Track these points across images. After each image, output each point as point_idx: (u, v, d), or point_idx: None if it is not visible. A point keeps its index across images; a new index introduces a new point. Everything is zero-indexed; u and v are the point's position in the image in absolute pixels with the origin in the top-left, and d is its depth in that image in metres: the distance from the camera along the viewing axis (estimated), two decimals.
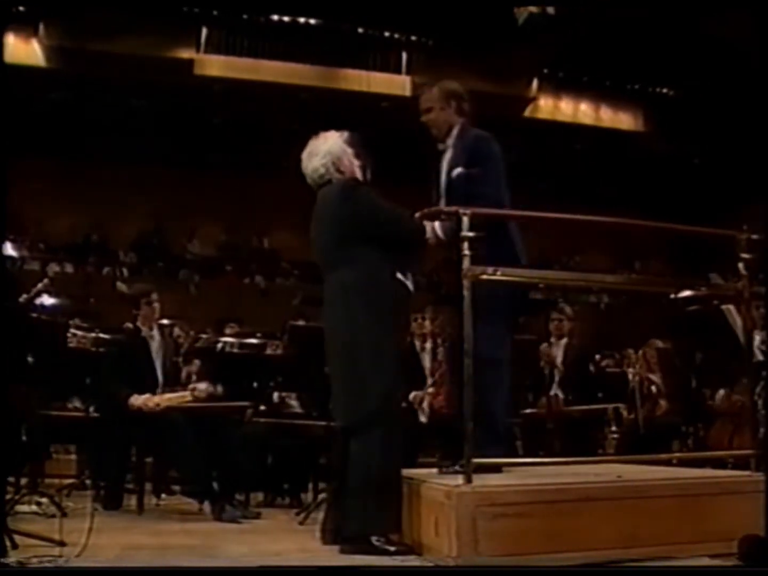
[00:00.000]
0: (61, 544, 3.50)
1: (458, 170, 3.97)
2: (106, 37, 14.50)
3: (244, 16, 15.75)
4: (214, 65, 15.43)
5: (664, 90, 17.03)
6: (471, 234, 3.26)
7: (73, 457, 7.17)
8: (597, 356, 7.85)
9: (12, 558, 3.21)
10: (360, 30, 15.96)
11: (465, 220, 3.26)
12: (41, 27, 14.92)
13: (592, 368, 7.26)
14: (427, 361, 6.47)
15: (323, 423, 5.32)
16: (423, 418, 6.26)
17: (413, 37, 16.14)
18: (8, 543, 3.44)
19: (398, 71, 15.97)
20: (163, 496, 5.86)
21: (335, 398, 3.77)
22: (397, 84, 15.88)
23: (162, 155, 16.45)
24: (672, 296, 4.26)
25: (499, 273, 3.36)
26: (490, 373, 3.73)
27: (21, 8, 14.98)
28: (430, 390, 6.26)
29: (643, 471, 3.97)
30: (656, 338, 7.06)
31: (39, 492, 5.18)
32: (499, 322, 3.83)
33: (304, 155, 3.90)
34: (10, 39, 15.03)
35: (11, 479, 5.24)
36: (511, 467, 3.84)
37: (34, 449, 5.76)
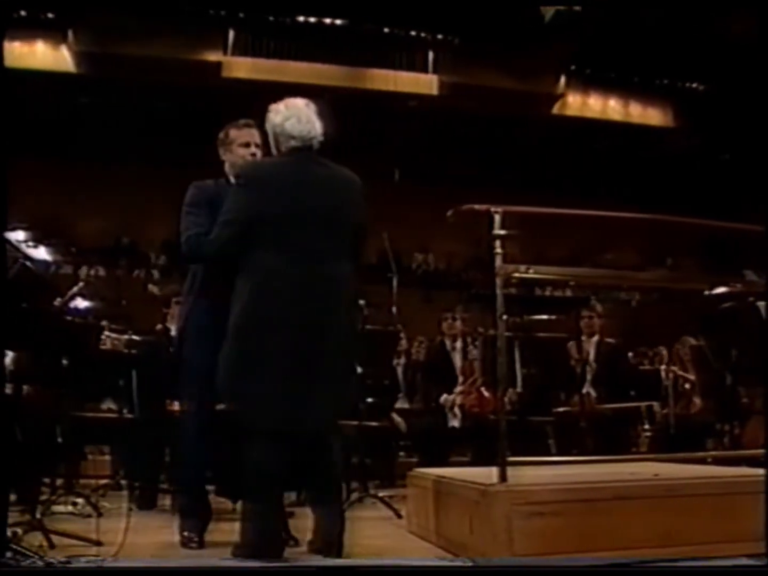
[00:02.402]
0: (98, 543, 3.53)
1: None
2: (134, 42, 14.65)
3: (270, 18, 15.82)
4: (242, 67, 15.53)
5: (694, 85, 16.87)
6: (503, 232, 3.24)
7: (107, 457, 7.23)
8: (629, 354, 7.76)
9: (52, 557, 3.25)
10: (386, 30, 15.98)
11: (497, 218, 3.24)
12: (70, 33, 15.10)
13: (624, 366, 7.18)
14: (458, 360, 6.46)
15: (355, 422, 5.32)
16: (455, 423, 6.26)
17: (439, 36, 16.12)
18: (45, 543, 3.48)
19: (425, 70, 15.97)
20: None
21: (323, 398, 3.40)
22: (424, 83, 15.88)
23: (191, 158, 16.53)
24: (706, 293, 4.22)
25: (531, 271, 3.34)
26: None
27: (50, 15, 15.17)
28: (462, 389, 6.27)
29: (678, 469, 3.94)
30: (689, 335, 7.00)
31: (75, 492, 5.24)
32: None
33: (308, 112, 3.59)
34: (40, 46, 15.24)
35: (47, 480, 5.31)
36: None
37: (69, 450, 5.81)
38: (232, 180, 3.96)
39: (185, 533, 3.77)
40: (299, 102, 3.61)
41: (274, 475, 3.41)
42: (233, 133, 4.02)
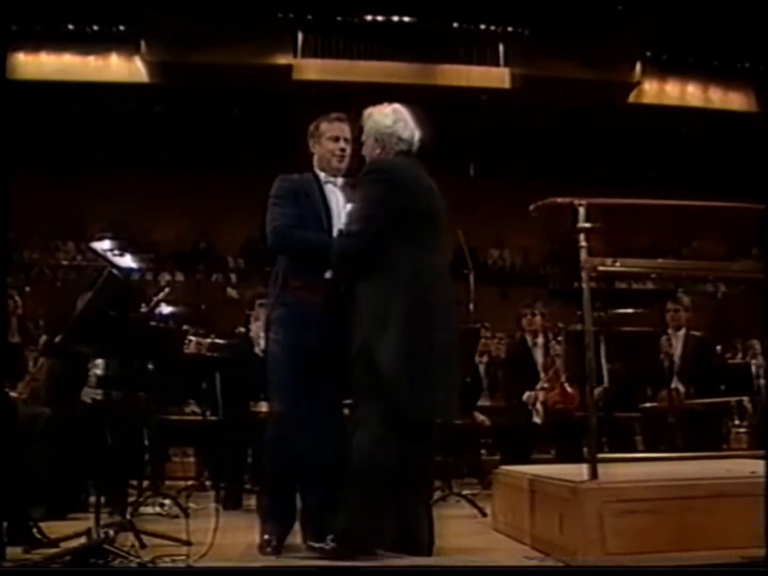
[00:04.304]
0: (188, 543, 3.58)
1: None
2: (205, 50, 14.90)
3: (338, 18, 15.89)
4: (312, 69, 15.63)
5: None
6: (587, 225, 3.17)
7: (192, 459, 7.34)
8: (718, 347, 7.54)
9: (144, 557, 3.30)
10: (455, 24, 15.89)
11: (581, 211, 3.17)
12: (142, 44, 15.43)
13: (713, 360, 6.97)
14: (539, 356, 6.37)
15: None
16: (537, 419, 6.18)
17: (509, 28, 15.94)
18: (137, 543, 3.54)
19: (496, 64, 15.81)
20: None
21: (446, 394, 3.55)
22: (496, 77, 15.72)
23: (266, 161, 16.76)
24: None
25: (618, 264, 3.25)
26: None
27: (122, 28, 15.54)
28: (545, 385, 6.18)
29: None
30: None
31: (161, 494, 5.33)
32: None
33: (411, 117, 3.70)
34: (114, 59, 15.64)
35: (134, 482, 5.42)
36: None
37: (155, 453, 5.93)
38: (320, 173, 3.96)
39: (265, 536, 3.70)
40: (401, 107, 3.71)
41: (395, 467, 3.40)
42: (324, 126, 3.99)
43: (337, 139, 3.94)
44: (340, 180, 3.98)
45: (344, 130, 3.96)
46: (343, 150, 3.94)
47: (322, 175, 3.97)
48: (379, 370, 3.38)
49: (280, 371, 3.76)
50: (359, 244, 3.54)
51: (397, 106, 3.69)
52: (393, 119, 3.63)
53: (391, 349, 3.38)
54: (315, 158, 4.02)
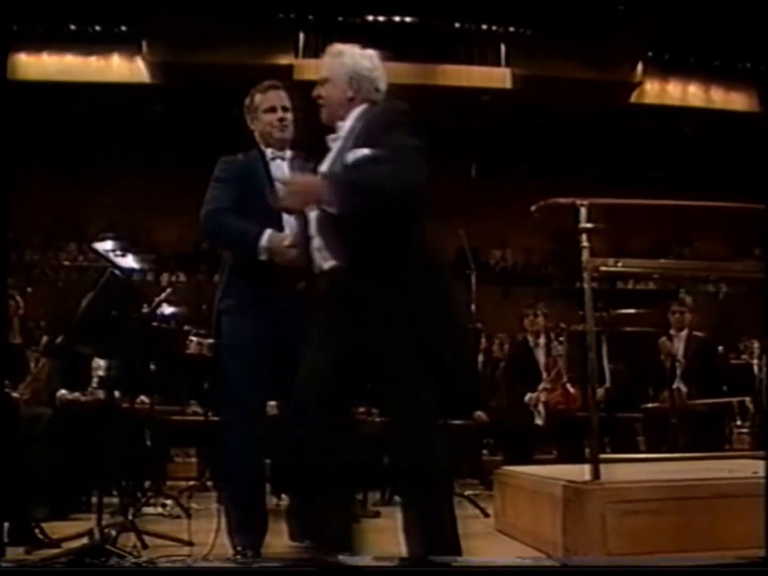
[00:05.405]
0: (189, 544, 3.58)
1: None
2: (206, 50, 14.92)
3: (340, 19, 15.89)
4: (313, 69, 15.60)
5: None
6: (589, 225, 3.16)
7: (194, 459, 7.34)
8: (720, 348, 7.53)
9: (144, 557, 3.31)
10: (456, 25, 15.90)
11: (583, 211, 3.16)
12: (144, 45, 15.45)
13: (715, 360, 6.97)
14: (541, 356, 6.38)
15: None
16: (539, 421, 6.18)
17: (511, 29, 15.96)
18: (139, 543, 3.54)
19: (497, 64, 15.84)
20: (283, 496, 5.93)
21: None
22: (497, 77, 15.75)
23: None
24: None
25: (620, 264, 3.25)
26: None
27: (123, 28, 15.56)
28: (547, 386, 6.18)
29: None
30: None
31: (163, 494, 5.34)
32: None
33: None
34: (116, 59, 15.66)
35: (135, 482, 5.41)
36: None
37: (157, 453, 5.92)
38: (266, 150, 3.68)
39: (238, 548, 3.37)
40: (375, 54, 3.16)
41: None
42: (258, 98, 3.68)
43: (273, 110, 3.63)
44: (288, 153, 3.69)
45: (282, 98, 3.66)
46: (282, 119, 3.63)
47: (268, 151, 3.69)
48: (442, 359, 2.85)
49: (238, 363, 3.43)
50: (402, 180, 2.77)
51: (372, 51, 3.12)
52: (372, 64, 3.06)
53: (454, 338, 2.92)
54: (257, 135, 3.73)
